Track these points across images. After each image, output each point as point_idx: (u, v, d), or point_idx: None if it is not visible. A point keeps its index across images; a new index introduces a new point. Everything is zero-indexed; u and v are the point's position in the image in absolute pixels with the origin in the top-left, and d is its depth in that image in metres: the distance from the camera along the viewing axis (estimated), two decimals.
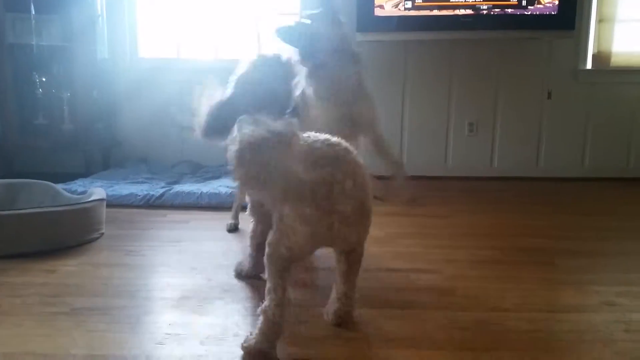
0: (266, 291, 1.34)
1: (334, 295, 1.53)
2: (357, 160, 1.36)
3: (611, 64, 3.78)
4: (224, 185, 3.09)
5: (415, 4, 3.50)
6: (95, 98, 3.73)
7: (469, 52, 3.81)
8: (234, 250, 2.18)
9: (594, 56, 3.80)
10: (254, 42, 3.93)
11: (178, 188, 3.06)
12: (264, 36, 3.91)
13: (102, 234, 2.38)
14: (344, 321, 1.51)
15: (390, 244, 2.28)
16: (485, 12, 3.49)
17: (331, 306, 1.53)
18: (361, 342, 1.43)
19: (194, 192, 2.97)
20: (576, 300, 1.73)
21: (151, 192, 2.99)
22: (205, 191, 2.98)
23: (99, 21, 3.75)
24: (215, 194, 2.95)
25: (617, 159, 3.91)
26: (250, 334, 1.35)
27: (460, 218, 2.76)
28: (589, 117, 3.87)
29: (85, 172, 3.59)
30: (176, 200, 2.94)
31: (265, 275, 1.36)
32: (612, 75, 3.82)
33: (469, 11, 3.49)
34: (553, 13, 3.47)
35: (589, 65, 3.82)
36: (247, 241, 1.85)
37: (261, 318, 1.33)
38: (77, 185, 3.08)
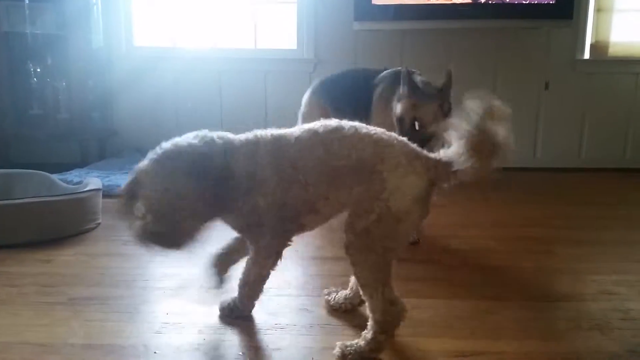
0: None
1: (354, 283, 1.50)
2: None
3: (609, 54, 3.78)
4: None
5: None
6: (90, 87, 3.71)
7: (466, 42, 3.80)
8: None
9: (591, 46, 3.79)
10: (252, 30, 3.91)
11: None
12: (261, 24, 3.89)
13: (99, 224, 2.37)
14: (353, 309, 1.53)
15: None
16: (483, 0, 3.48)
17: (356, 295, 1.50)
18: (361, 331, 1.43)
19: None
20: (574, 289, 1.73)
21: None
22: None
23: (94, 9, 3.72)
24: None
25: (614, 149, 3.91)
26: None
27: (457, 208, 2.76)
28: (586, 108, 3.87)
29: (81, 162, 3.58)
30: None
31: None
32: (610, 65, 3.81)
33: (467, 0, 3.47)
34: (551, 2, 3.45)
35: (586, 55, 3.81)
36: None
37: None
38: (73, 175, 3.07)
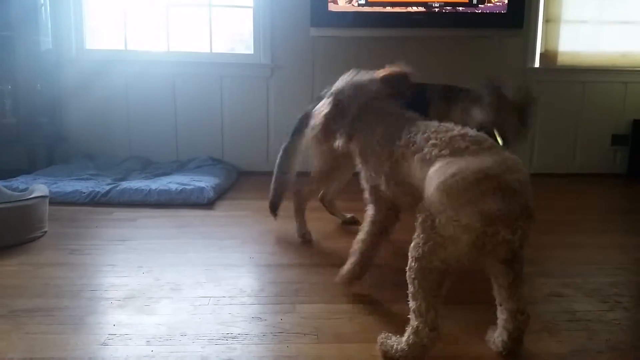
0: (414, 312, 1.26)
1: (503, 317, 1.33)
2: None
3: (558, 63, 3.91)
4: (174, 182, 3.01)
5: (369, 0, 3.51)
6: (39, 91, 3.57)
7: (420, 50, 3.85)
8: (183, 249, 2.13)
9: (541, 55, 3.91)
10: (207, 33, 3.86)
11: (125, 185, 2.96)
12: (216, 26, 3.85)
13: (45, 232, 2.28)
14: (518, 344, 1.32)
15: (346, 239, 2.26)
16: (437, 10, 3.53)
17: (502, 331, 1.33)
18: (315, 340, 1.41)
19: (142, 189, 2.88)
20: (524, 292, 1.76)
21: (97, 189, 2.88)
22: (154, 188, 2.89)
23: (42, 10, 3.59)
24: (165, 190, 2.87)
25: (563, 155, 4.04)
26: (388, 337, 1.33)
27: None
28: (536, 115, 3.97)
29: (28, 168, 3.45)
30: (123, 197, 2.85)
31: (410, 293, 1.28)
32: (558, 73, 3.94)
33: (421, 9, 3.52)
34: (502, 12, 3.54)
35: (537, 64, 3.92)
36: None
37: (410, 333, 1.26)
38: (19, 182, 2.95)
